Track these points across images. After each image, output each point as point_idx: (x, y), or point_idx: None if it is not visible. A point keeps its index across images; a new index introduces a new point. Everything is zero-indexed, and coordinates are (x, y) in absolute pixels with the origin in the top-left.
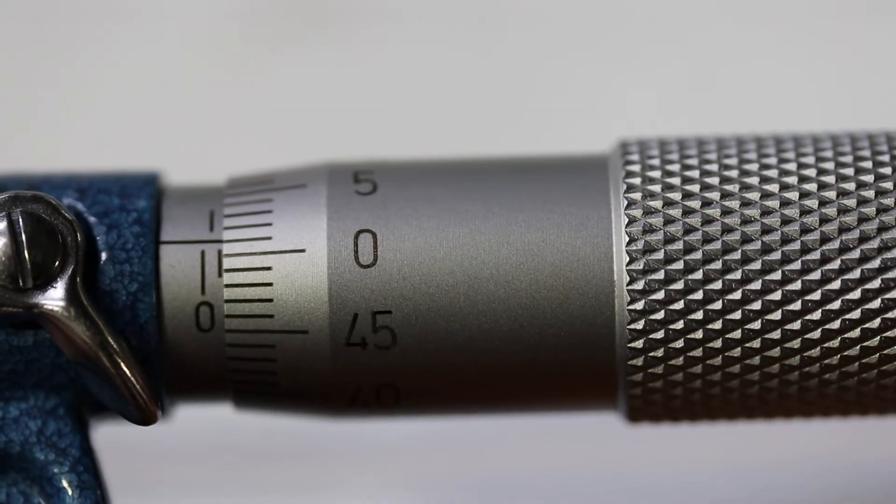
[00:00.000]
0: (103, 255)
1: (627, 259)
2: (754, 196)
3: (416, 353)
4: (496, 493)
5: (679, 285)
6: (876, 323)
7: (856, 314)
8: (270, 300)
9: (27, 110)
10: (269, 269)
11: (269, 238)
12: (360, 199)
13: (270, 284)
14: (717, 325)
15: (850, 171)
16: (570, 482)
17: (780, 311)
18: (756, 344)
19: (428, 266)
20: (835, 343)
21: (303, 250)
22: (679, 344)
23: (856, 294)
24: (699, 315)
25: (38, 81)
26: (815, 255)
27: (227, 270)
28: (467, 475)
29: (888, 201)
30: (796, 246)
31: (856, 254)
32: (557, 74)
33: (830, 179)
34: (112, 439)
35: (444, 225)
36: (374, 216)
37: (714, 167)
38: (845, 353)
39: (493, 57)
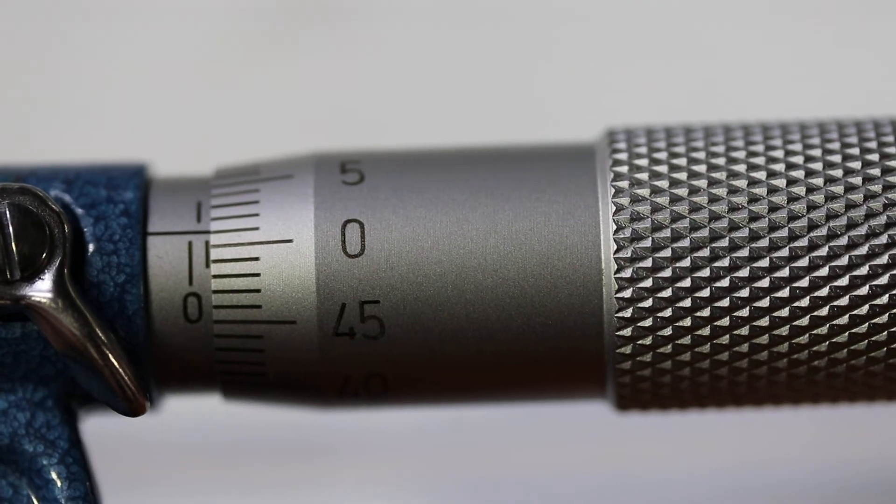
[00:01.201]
0: (91, 247)
1: (615, 247)
2: (742, 183)
3: (404, 343)
4: (495, 493)
5: (667, 273)
6: (864, 309)
7: (844, 301)
8: (258, 291)
9: (16, 105)
10: (256, 259)
11: (257, 228)
12: (348, 189)
13: (258, 275)
14: (705, 312)
15: (837, 158)
16: (570, 482)
17: (768, 298)
18: (744, 331)
19: (415, 256)
20: (823, 330)
21: (290, 241)
22: (667, 332)
23: (843, 281)
24: (687, 303)
25: (28, 77)
26: (803, 243)
27: (215, 261)
28: (466, 475)
29: (875, 188)
30: (784, 233)
31: (843, 240)
32: (545, 63)
33: (818, 166)
34: (106, 433)
35: (431, 214)
36: (362, 206)
37: (701, 155)
38: (834, 340)
39: (481, 47)
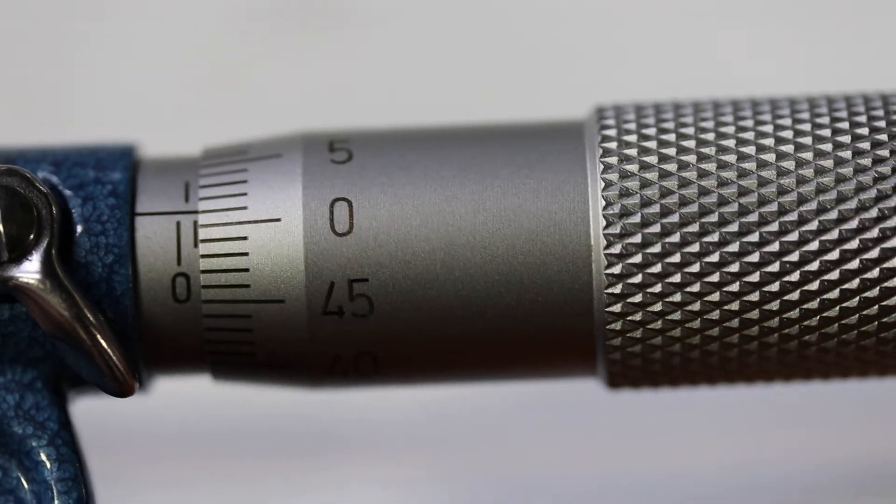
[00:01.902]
0: (79, 228)
1: (604, 223)
2: (731, 158)
3: (393, 321)
4: (495, 492)
5: (656, 248)
6: (854, 284)
7: (834, 275)
8: (246, 270)
9: (13, 98)
10: (244, 238)
11: (245, 208)
12: (336, 168)
13: (246, 254)
14: (695, 287)
15: (826, 133)
16: (570, 480)
17: (757, 272)
18: (734, 306)
19: (404, 234)
20: (814, 304)
21: (278, 220)
22: (657, 307)
23: (833, 255)
24: (677, 278)
25: (26, 69)
26: (793, 216)
27: (203, 241)
28: (466, 473)
29: (865, 161)
30: (773, 207)
31: (833, 214)
32: (535, 41)
33: (807, 141)
34: (102, 424)
35: (419, 192)
36: (350, 184)
37: (690, 130)
38: (825, 315)
39: (482, 46)
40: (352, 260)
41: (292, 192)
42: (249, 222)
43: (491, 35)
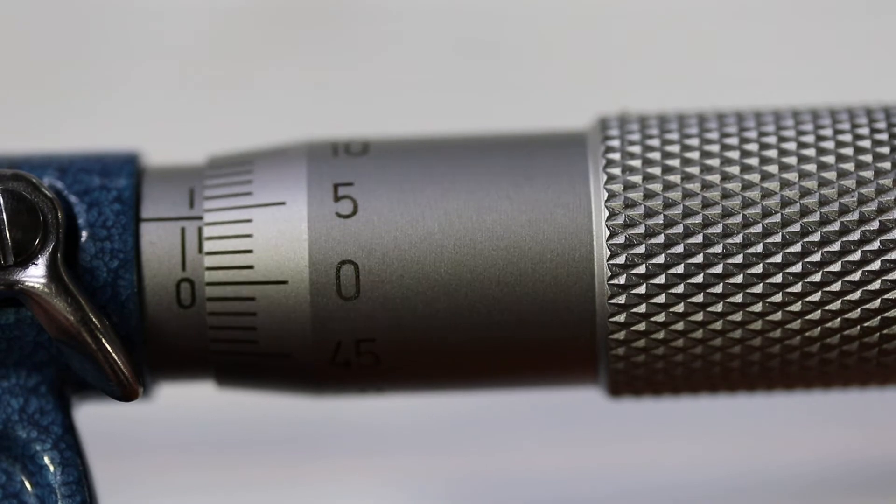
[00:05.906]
0: (84, 233)
1: (608, 233)
2: (735, 170)
3: (399, 370)
4: (493, 492)
5: (660, 259)
6: (857, 295)
7: (836, 286)
8: (253, 328)
9: (17, 99)
10: (252, 299)
11: (251, 267)
12: (341, 224)
13: (254, 314)
14: (699, 298)
15: (830, 144)
16: (568, 480)
17: (761, 284)
18: (737, 317)
19: (411, 299)
20: (815, 315)
21: (285, 282)
22: (660, 318)
23: (836, 266)
24: (680, 289)
25: (29, 71)
26: (796, 228)
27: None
28: (467, 473)
29: (867, 174)
30: (776, 219)
31: (835, 226)
32: (537, 42)
33: (810, 152)
34: (105, 430)
35: (424, 256)
36: (356, 246)
37: (695, 141)
38: (827, 325)
39: (481, 46)
40: (359, 323)
41: (298, 253)
42: (257, 283)
43: (492, 36)
